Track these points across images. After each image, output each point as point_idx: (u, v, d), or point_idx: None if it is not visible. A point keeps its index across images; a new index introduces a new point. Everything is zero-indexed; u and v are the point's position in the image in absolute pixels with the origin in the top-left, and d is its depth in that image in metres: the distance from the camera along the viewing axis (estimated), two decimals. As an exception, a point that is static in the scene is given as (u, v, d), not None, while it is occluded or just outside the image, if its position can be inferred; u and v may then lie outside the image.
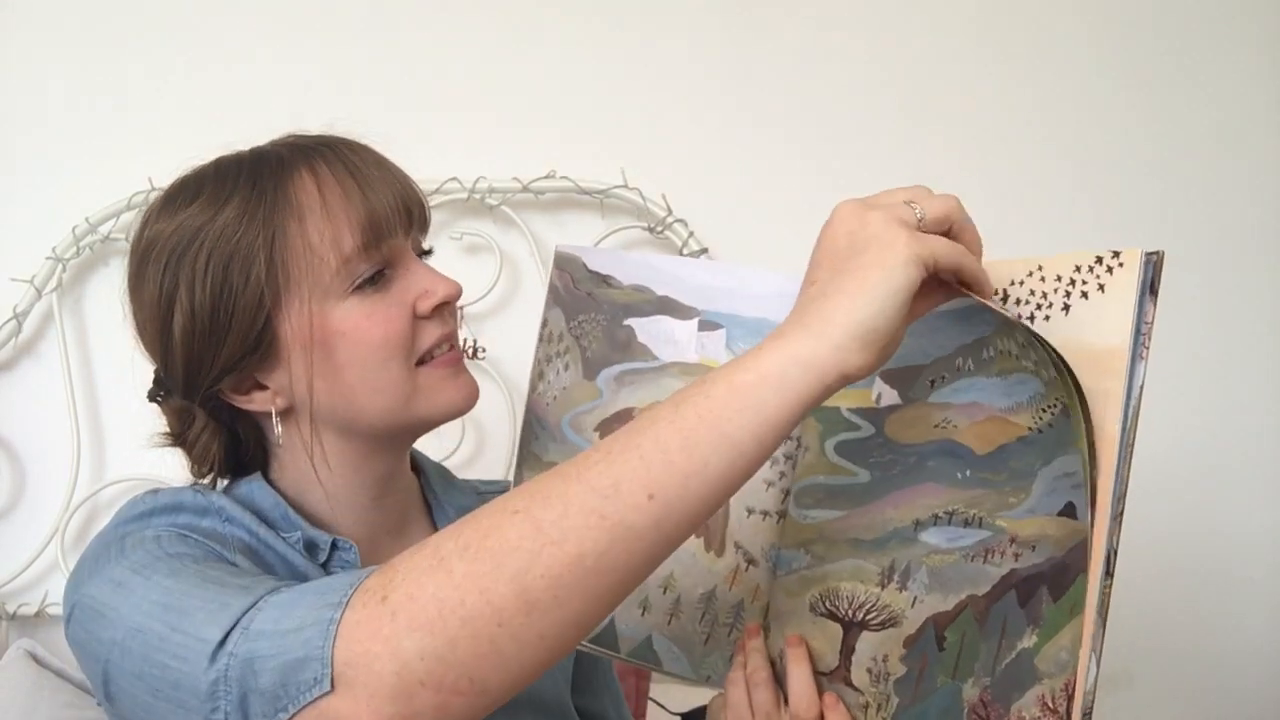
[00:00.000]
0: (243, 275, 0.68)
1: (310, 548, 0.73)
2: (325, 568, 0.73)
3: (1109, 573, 0.55)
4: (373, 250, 0.70)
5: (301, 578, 0.70)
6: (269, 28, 1.36)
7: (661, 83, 1.38)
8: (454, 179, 1.30)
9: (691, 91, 1.38)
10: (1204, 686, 1.45)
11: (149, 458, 1.30)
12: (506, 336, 1.32)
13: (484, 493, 0.91)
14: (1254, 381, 1.44)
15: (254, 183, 0.70)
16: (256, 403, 0.72)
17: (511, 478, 0.79)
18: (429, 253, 0.77)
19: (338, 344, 0.70)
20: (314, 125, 0.75)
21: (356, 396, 0.71)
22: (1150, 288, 0.55)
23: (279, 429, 0.73)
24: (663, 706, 0.95)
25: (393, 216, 0.71)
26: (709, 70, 1.38)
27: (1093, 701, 0.54)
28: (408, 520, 0.82)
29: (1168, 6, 1.41)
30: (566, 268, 0.75)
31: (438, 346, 0.73)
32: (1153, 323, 0.55)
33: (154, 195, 1.26)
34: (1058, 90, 1.40)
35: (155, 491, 0.72)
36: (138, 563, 0.63)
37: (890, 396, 0.68)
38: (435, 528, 0.84)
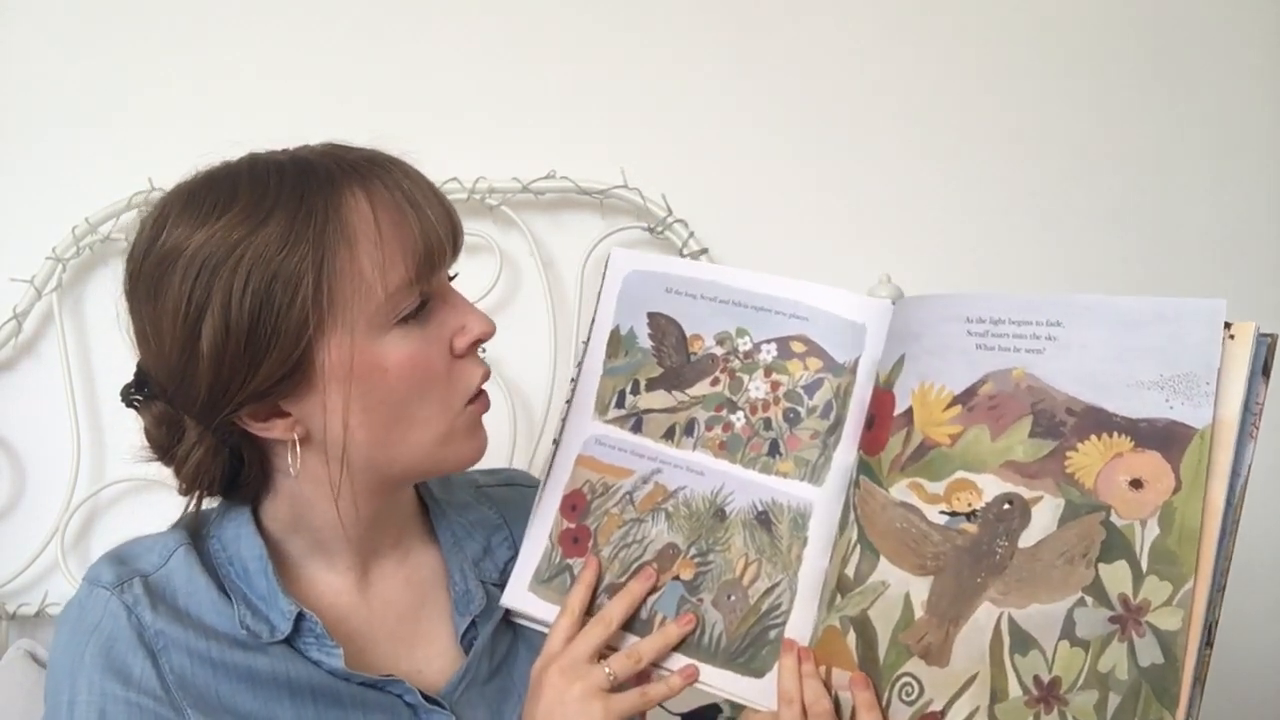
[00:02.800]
0: (287, 296, 0.64)
1: (260, 615, 0.71)
2: (290, 643, 0.71)
3: (1209, 643, 0.58)
4: (423, 283, 0.68)
5: (247, 677, 0.69)
6: (269, 27, 1.36)
7: (661, 83, 1.38)
8: (454, 179, 1.30)
9: (691, 91, 1.38)
10: (1205, 687, 1.44)
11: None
12: (506, 336, 1.31)
13: (483, 486, 0.90)
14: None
15: (301, 198, 0.65)
16: (276, 430, 0.69)
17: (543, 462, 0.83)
18: (453, 276, 0.75)
19: (378, 379, 0.67)
20: (360, 138, 0.72)
21: (389, 433, 0.69)
22: (1264, 368, 0.59)
23: (298, 460, 0.69)
24: (663, 707, 0.94)
25: (446, 248, 0.70)
26: (709, 70, 1.38)
27: None
28: (404, 531, 0.81)
29: (1169, 7, 1.41)
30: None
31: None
32: (1264, 404, 0.59)
33: (154, 195, 1.28)
34: (1058, 93, 1.40)
35: (90, 592, 0.69)
36: None
37: None
38: (433, 531, 0.83)
